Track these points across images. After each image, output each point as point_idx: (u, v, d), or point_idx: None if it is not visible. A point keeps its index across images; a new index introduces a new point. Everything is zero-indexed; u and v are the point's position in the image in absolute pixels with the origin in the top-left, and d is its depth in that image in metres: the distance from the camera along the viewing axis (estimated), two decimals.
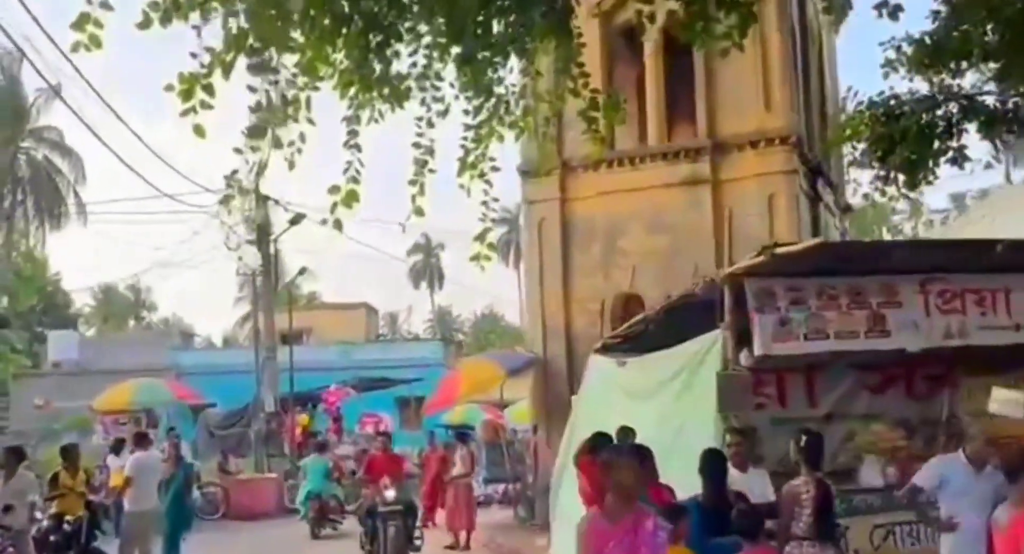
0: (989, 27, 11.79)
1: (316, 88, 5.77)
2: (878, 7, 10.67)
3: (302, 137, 5.68)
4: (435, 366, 34.26)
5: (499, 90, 6.17)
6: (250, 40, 5.46)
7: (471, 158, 6.15)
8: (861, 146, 13.68)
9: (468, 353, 43.88)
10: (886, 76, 13.61)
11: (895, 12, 10.86)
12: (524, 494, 18.68)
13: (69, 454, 12.63)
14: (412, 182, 5.94)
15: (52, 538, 11.97)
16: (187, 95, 5.20)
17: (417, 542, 13.89)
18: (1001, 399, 8.52)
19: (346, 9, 5.68)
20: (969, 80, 13.46)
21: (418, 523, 14.27)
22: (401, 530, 13.16)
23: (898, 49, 13.53)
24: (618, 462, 4.86)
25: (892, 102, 13.43)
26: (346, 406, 28.21)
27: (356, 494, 16.76)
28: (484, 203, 6.29)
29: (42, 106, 46.75)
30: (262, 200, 24.03)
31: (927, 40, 13.27)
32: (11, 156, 46.67)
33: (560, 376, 17.10)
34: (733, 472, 7.14)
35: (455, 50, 5.91)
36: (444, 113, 6.05)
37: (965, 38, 12.27)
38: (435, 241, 72.02)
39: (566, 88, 6.38)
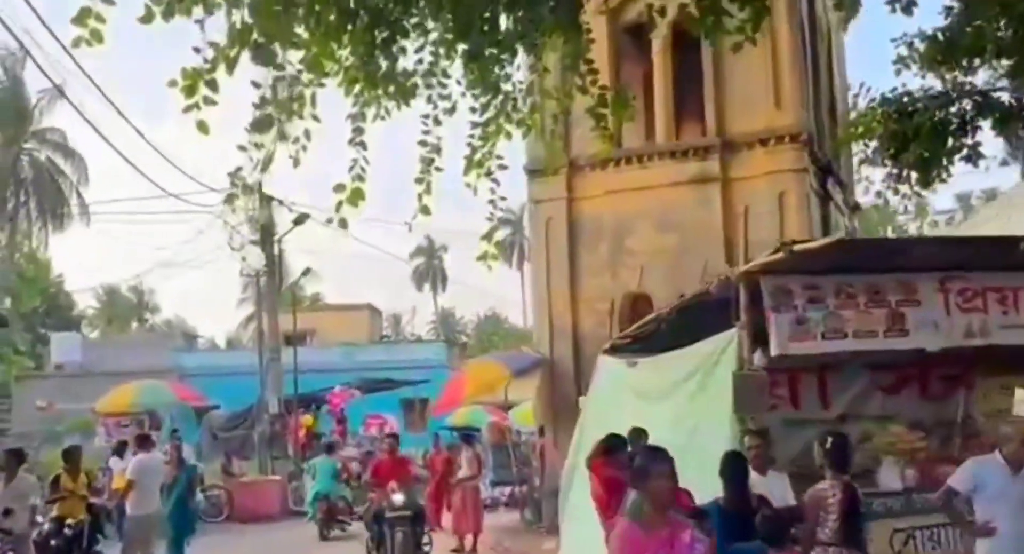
0: (1003, 23, 11.64)
1: (321, 84, 5.68)
2: (891, 1, 10.50)
3: (307, 134, 5.58)
4: (439, 368, 34.14)
5: (506, 87, 6.09)
6: (254, 35, 5.33)
7: (478, 156, 6.07)
8: (873, 144, 13.55)
9: (472, 355, 43.70)
10: (898, 73, 13.43)
11: (908, 6, 10.69)
12: (531, 497, 18.50)
13: (71, 456, 12.49)
14: (418, 180, 5.86)
15: (53, 542, 11.80)
16: (190, 91, 5.10)
17: (426, 548, 13.67)
18: None
19: (352, 4, 5.60)
20: (981, 77, 13.33)
21: (426, 529, 13.99)
22: (409, 536, 12.88)
23: (910, 45, 13.37)
24: (654, 468, 4.56)
25: (905, 99, 13.28)
26: (350, 408, 28.05)
27: (364, 496, 16.56)
28: (491, 202, 6.22)
29: (45, 107, 46.69)
30: (266, 200, 23.87)
31: (940, 36, 13.13)
32: (14, 157, 46.58)
33: (567, 377, 16.91)
34: (753, 475, 6.94)
35: (462, 47, 5.84)
36: (451, 111, 5.97)
37: (978, 34, 12.11)
38: (438, 242, 72.02)
39: (574, 85, 6.29)
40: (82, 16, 4.76)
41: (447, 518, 17.29)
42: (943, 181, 13.52)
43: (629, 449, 8.23)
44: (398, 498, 12.87)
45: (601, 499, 7.98)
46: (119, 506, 13.72)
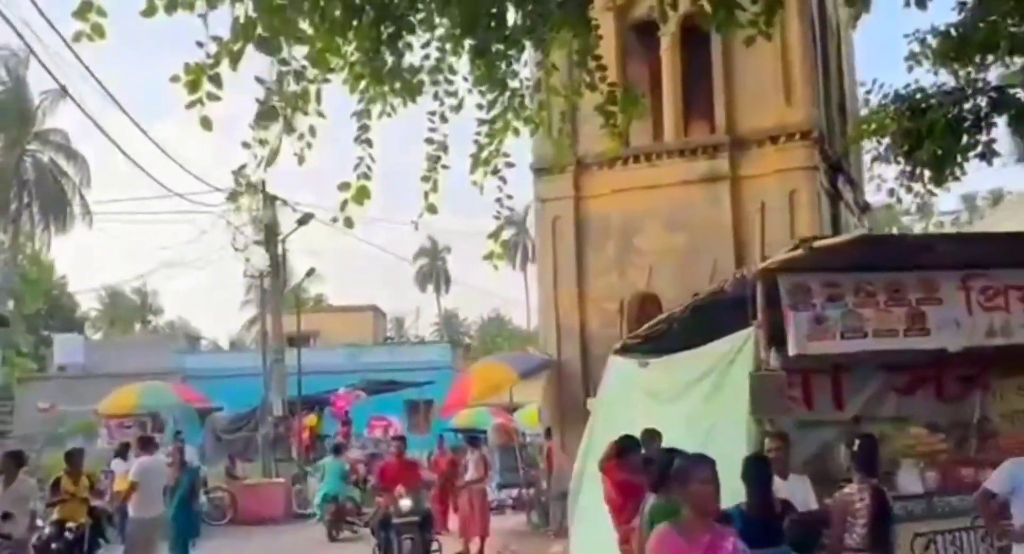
0: (1017, 18, 11.47)
1: (327, 80, 5.61)
2: None
3: (312, 130, 5.49)
4: (443, 369, 34.04)
5: (513, 84, 6.01)
6: (258, 29, 5.23)
7: (484, 154, 5.99)
8: (886, 141, 13.35)
9: (476, 356, 43.57)
10: (910, 69, 13.25)
11: (922, 1, 10.51)
12: (538, 499, 18.31)
13: (73, 459, 12.32)
14: (425, 179, 5.79)
15: (54, 546, 11.61)
16: (193, 86, 5.01)
17: None
18: None
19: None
20: (994, 73, 13.16)
21: (435, 536, 13.60)
22: (418, 543, 12.48)
23: (922, 41, 13.19)
24: (695, 472, 4.34)
25: (918, 95, 13.08)
26: (355, 409, 27.86)
27: (372, 499, 16.29)
28: (498, 200, 6.17)
29: (48, 108, 46.62)
30: (270, 200, 23.71)
31: (953, 32, 12.96)
32: (17, 158, 46.50)
33: (575, 378, 16.71)
34: (774, 478, 6.71)
35: (468, 42, 5.76)
36: (457, 108, 5.91)
37: (992, 30, 11.96)
38: (440, 242, 71.87)
39: (582, 81, 6.20)
40: (83, 10, 4.68)
41: (452, 520, 17.09)
42: (956, 179, 13.34)
43: (643, 451, 8.04)
44: (405, 503, 12.49)
45: (614, 503, 7.77)
46: (121, 509, 13.53)
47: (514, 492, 20.72)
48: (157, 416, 25.01)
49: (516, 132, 6.13)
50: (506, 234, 63.63)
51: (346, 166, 5.63)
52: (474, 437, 19.22)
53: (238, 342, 57.54)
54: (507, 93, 5.95)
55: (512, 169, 6.19)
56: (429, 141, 5.81)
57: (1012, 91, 12.43)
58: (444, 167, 5.82)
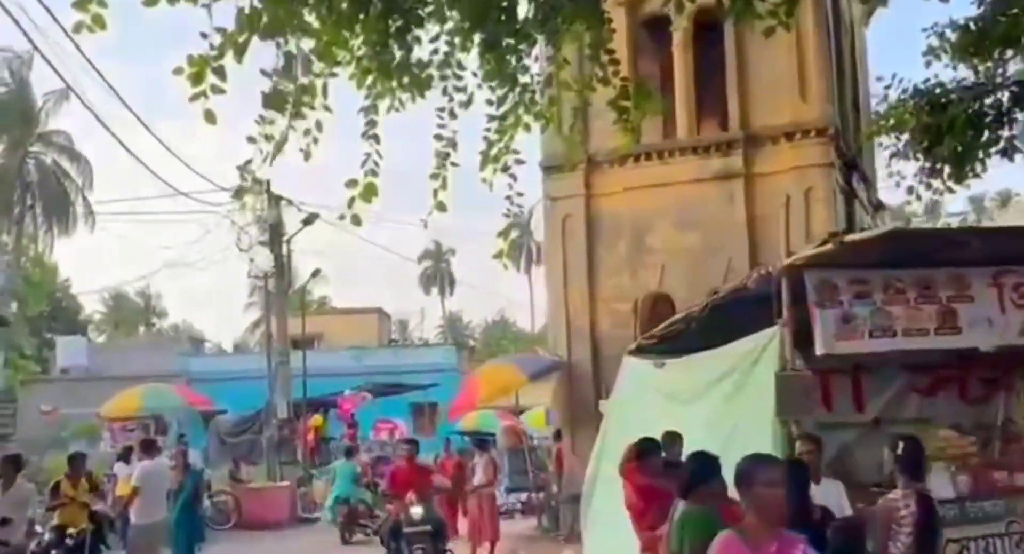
0: None
1: (333, 74, 5.50)
2: None
3: (319, 125, 5.39)
4: (449, 372, 33.85)
5: (524, 79, 5.89)
6: (263, 20, 5.12)
7: (494, 151, 5.89)
8: (904, 137, 13.08)
9: (481, 358, 43.38)
10: (928, 65, 12.99)
11: None
12: (548, 503, 18.03)
13: (74, 463, 12.10)
14: (434, 176, 5.72)
15: (54, 552, 11.35)
16: (197, 79, 4.90)
17: None
18: None
19: None
20: (1014, 68, 12.92)
21: (448, 546, 13.08)
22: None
23: (941, 35, 12.94)
24: (760, 474, 3.97)
25: (937, 90, 12.82)
26: (360, 412, 27.61)
27: (382, 503, 15.95)
28: (508, 198, 6.05)
29: (51, 110, 46.51)
30: (275, 200, 23.47)
31: (972, 26, 12.71)
32: (20, 160, 46.36)
33: (585, 380, 16.42)
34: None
35: (478, 36, 5.66)
36: (467, 103, 5.81)
37: (1013, 23, 11.70)
38: (444, 242, 71.65)
39: (594, 76, 6.08)
40: (83, 0, 4.59)
41: (461, 524, 16.81)
42: (977, 176, 13.08)
43: (663, 454, 7.76)
44: (417, 511, 11.94)
45: (635, 507, 7.48)
46: (123, 514, 13.22)
47: (523, 496, 20.44)
48: (160, 419, 24.84)
49: (527, 128, 6.03)
50: (502, 241, 62.76)
51: (348, 166, 5.56)
52: (483, 440, 18.95)
53: (242, 345, 57.44)
54: (517, 88, 5.83)
55: (520, 167, 6.10)
56: (438, 137, 5.72)
57: None
58: (453, 164, 5.73)
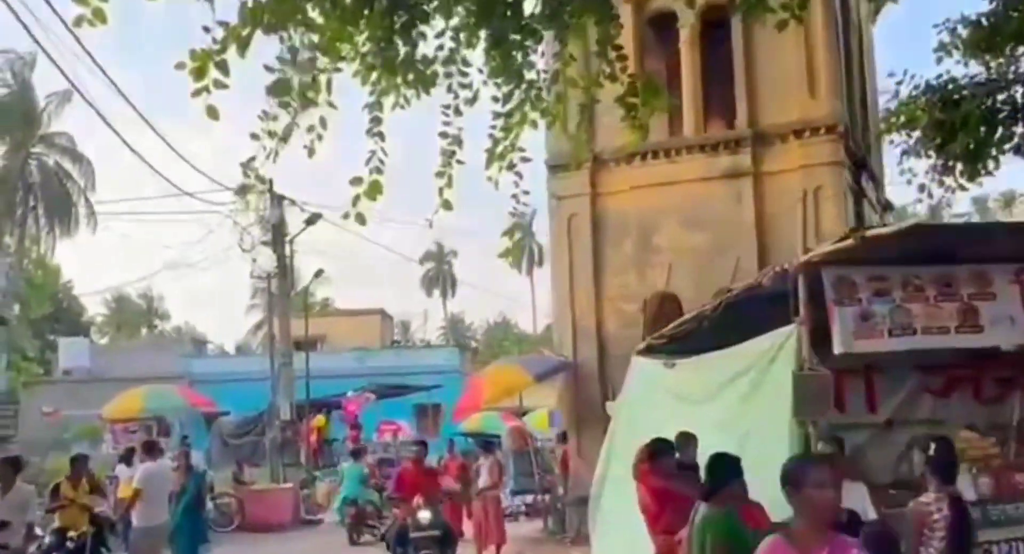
0: None
1: (338, 69, 5.44)
2: None
3: (323, 122, 5.33)
4: (451, 373, 33.72)
5: (530, 75, 5.82)
6: (267, 15, 5.10)
7: (500, 149, 5.81)
8: (916, 134, 12.90)
9: (483, 360, 43.22)
10: (939, 61, 12.83)
11: None
12: (554, 506, 17.84)
13: (75, 464, 11.93)
14: (439, 174, 5.66)
15: None
16: (199, 73, 4.85)
17: None
18: None
19: None
20: None
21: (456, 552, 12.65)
22: None
23: (952, 31, 12.78)
24: (810, 475, 3.74)
25: (950, 86, 12.65)
26: (364, 414, 27.45)
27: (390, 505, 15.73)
28: (514, 196, 6.03)
29: (53, 112, 46.39)
30: (277, 199, 23.30)
31: (984, 21, 12.55)
32: (22, 162, 46.24)
33: (591, 380, 16.23)
34: None
35: (484, 32, 5.60)
36: (472, 100, 5.75)
37: None
38: (445, 243, 71.51)
39: (601, 72, 5.98)
40: None
41: (466, 525, 16.61)
42: (990, 173, 12.91)
43: (677, 455, 7.58)
44: (425, 515, 11.52)
45: (650, 510, 7.30)
46: (125, 518, 13.02)
47: (528, 498, 20.25)
48: (163, 420, 24.72)
49: (534, 124, 5.99)
50: (508, 240, 62.79)
51: (349, 167, 5.52)
52: (488, 442, 18.77)
53: (244, 346, 57.28)
54: (523, 85, 5.76)
55: (524, 166, 6.02)
56: (443, 135, 5.64)
57: None
58: (459, 162, 5.66)
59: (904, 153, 13.03)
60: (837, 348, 7.19)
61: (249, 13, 4.99)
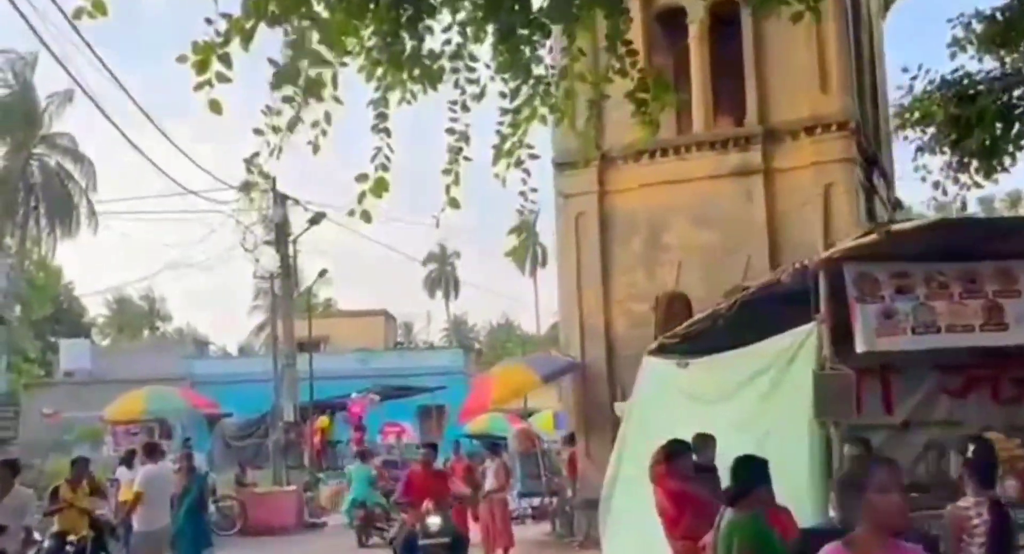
0: None
1: (343, 64, 5.31)
2: None
3: (327, 117, 5.22)
4: (456, 374, 33.53)
5: (538, 71, 5.70)
6: (271, 7, 4.96)
7: (507, 145, 5.74)
8: (930, 130, 12.70)
9: (487, 361, 43.07)
10: (953, 56, 12.64)
11: None
12: (562, 509, 17.61)
13: (75, 466, 11.72)
14: (446, 171, 5.58)
15: None
16: (202, 66, 4.73)
17: None
18: None
19: None
20: None
21: None
22: None
23: (967, 26, 12.58)
24: (875, 477, 3.38)
25: (965, 81, 12.46)
26: (367, 415, 27.26)
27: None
28: (522, 193, 5.95)
29: (54, 112, 46.21)
30: (280, 199, 23.10)
31: (999, 16, 12.37)
32: (23, 162, 46.06)
33: (599, 381, 16.00)
34: None
35: (492, 27, 5.50)
36: (480, 96, 5.67)
37: None
38: (447, 243, 71.24)
39: (610, 68, 5.88)
40: None
41: (473, 528, 16.38)
42: (1006, 170, 12.71)
43: (695, 457, 7.36)
44: (434, 521, 10.93)
45: (668, 514, 7.06)
46: (126, 521, 12.81)
47: (535, 501, 20.02)
48: (165, 422, 24.54)
49: (543, 120, 5.91)
50: (515, 238, 63.29)
51: (350, 168, 5.39)
52: (495, 444, 18.55)
53: (246, 348, 57.07)
54: (531, 80, 5.67)
55: (532, 162, 5.93)
56: (450, 131, 5.58)
57: None
58: (466, 158, 5.58)
59: (919, 149, 12.84)
60: (859, 346, 6.99)
61: (253, 5, 4.86)
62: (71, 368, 37.08)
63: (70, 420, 29.17)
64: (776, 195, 15.05)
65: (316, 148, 5.29)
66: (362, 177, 5.21)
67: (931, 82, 12.40)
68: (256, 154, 5.35)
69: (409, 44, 5.38)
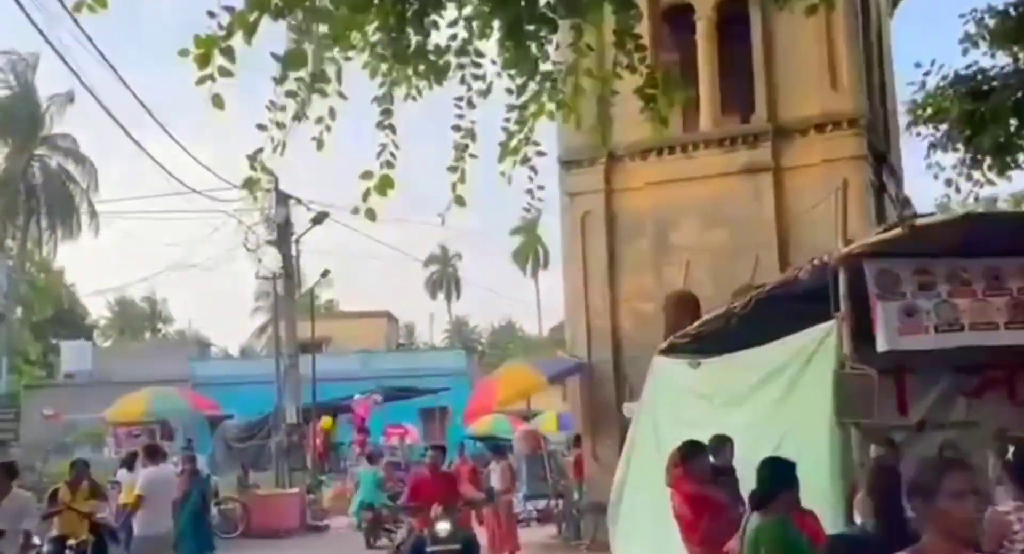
0: None
1: (348, 58, 5.23)
2: None
3: (332, 113, 5.13)
4: (458, 376, 33.40)
5: (545, 66, 5.58)
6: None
7: (513, 142, 5.62)
8: (943, 127, 12.52)
9: (489, 362, 42.90)
10: (965, 52, 12.46)
11: None
12: (568, 511, 17.41)
13: (74, 468, 11.53)
14: (452, 169, 5.48)
15: None
16: (204, 60, 4.61)
17: None
18: None
19: None
20: None
21: None
22: None
23: (979, 22, 12.41)
24: (947, 483, 3.09)
25: (979, 77, 12.29)
26: (371, 417, 27.07)
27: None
28: (529, 191, 5.86)
29: (55, 114, 46.10)
30: (283, 198, 22.92)
31: (1012, 11, 12.21)
32: (25, 164, 45.93)
33: (606, 382, 15.81)
34: None
35: (498, 22, 5.37)
36: (486, 92, 5.58)
37: None
38: (449, 245, 71.07)
39: (619, 63, 5.77)
40: None
41: (479, 531, 16.20)
42: (1019, 167, 12.53)
43: (712, 459, 7.16)
44: (443, 527, 10.44)
45: (685, 518, 6.87)
46: (127, 524, 12.59)
47: (540, 504, 19.82)
48: (166, 424, 24.37)
49: (551, 115, 5.78)
50: (516, 240, 63.29)
51: (351, 169, 5.15)
52: (499, 445, 18.35)
53: (248, 349, 56.93)
54: (538, 76, 5.56)
55: (538, 160, 5.79)
56: (456, 128, 5.47)
57: None
58: (472, 156, 5.49)
59: (932, 146, 12.65)
60: (881, 345, 6.82)
61: None
62: (72, 369, 36.98)
63: (71, 422, 29.06)
64: (785, 193, 14.86)
65: (320, 144, 5.21)
66: (367, 174, 5.10)
67: (944, 77, 12.22)
68: (260, 150, 5.20)
69: (414, 39, 5.29)
